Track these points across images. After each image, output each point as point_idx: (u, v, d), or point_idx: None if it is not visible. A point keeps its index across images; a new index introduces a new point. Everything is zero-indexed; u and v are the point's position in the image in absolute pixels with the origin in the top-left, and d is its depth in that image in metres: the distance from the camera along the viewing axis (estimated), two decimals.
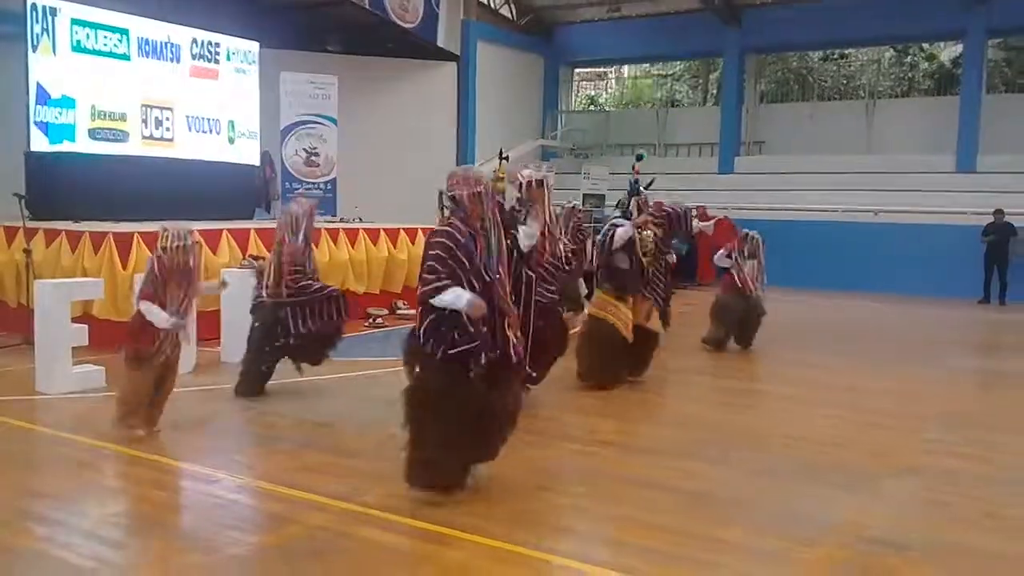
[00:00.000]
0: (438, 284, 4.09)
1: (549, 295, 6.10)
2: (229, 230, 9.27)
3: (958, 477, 4.98)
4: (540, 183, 5.99)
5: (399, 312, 10.75)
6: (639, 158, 7.03)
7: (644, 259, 6.91)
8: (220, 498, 4.51)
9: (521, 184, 6.02)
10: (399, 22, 15.04)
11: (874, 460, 5.36)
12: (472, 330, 4.13)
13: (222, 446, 5.40)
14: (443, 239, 4.16)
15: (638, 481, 4.83)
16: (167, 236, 5.35)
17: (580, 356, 6.93)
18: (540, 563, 3.72)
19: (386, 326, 10.16)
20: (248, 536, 4.03)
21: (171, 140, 11.21)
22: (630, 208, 7.28)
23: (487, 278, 4.19)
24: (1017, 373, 8.62)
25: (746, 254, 8.87)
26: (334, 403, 6.59)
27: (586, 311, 7.16)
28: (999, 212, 14.22)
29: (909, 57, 22.01)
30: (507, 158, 12.97)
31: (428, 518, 4.07)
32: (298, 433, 5.67)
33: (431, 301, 4.12)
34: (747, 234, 9.00)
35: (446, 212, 4.35)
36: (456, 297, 4.07)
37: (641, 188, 7.19)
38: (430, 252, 4.17)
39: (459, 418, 4.14)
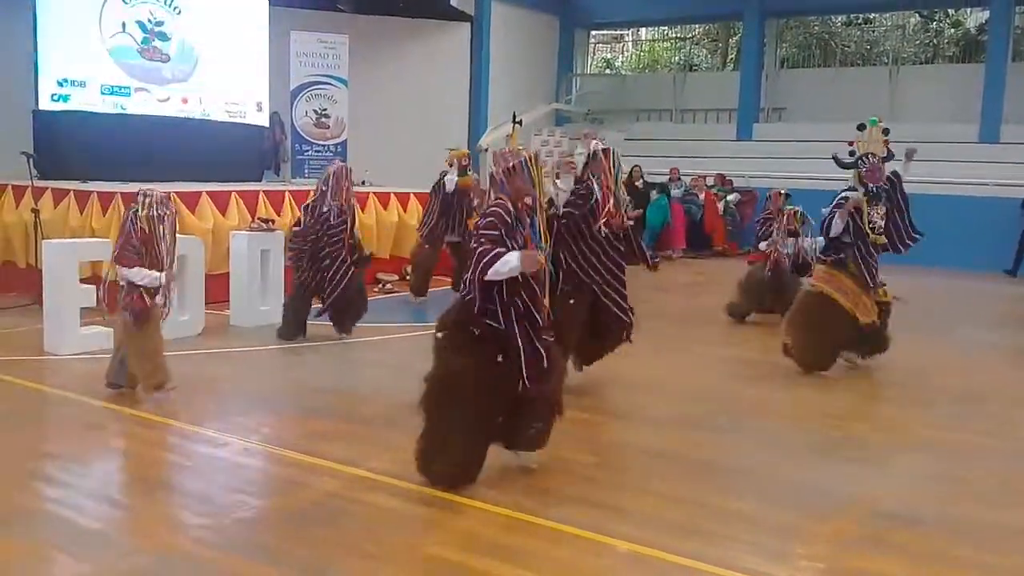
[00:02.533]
0: (489, 255, 3.88)
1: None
2: (238, 192, 9.19)
3: (972, 452, 4.91)
4: (607, 153, 5.74)
5: (409, 278, 10.67)
6: (860, 128, 6.45)
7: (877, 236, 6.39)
8: (228, 462, 4.51)
9: (590, 153, 5.76)
10: None
11: (887, 434, 5.30)
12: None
13: (230, 409, 5.39)
14: (491, 217, 4.01)
15: (647, 451, 4.79)
16: (147, 201, 5.28)
17: (791, 330, 6.58)
18: (548, 532, 3.69)
19: (396, 292, 10.11)
20: (256, 500, 4.03)
21: (181, 99, 11.13)
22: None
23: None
24: None
25: (789, 231, 8.52)
26: (343, 368, 6.58)
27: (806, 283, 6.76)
28: None
29: (935, 23, 21.52)
30: (520, 122, 12.80)
31: None
32: (306, 398, 5.65)
33: (486, 278, 3.90)
34: (793, 211, 8.57)
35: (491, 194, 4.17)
36: (504, 263, 3.88)
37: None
38: (479, 231, 4.00)
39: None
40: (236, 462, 4.51)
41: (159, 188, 5.48)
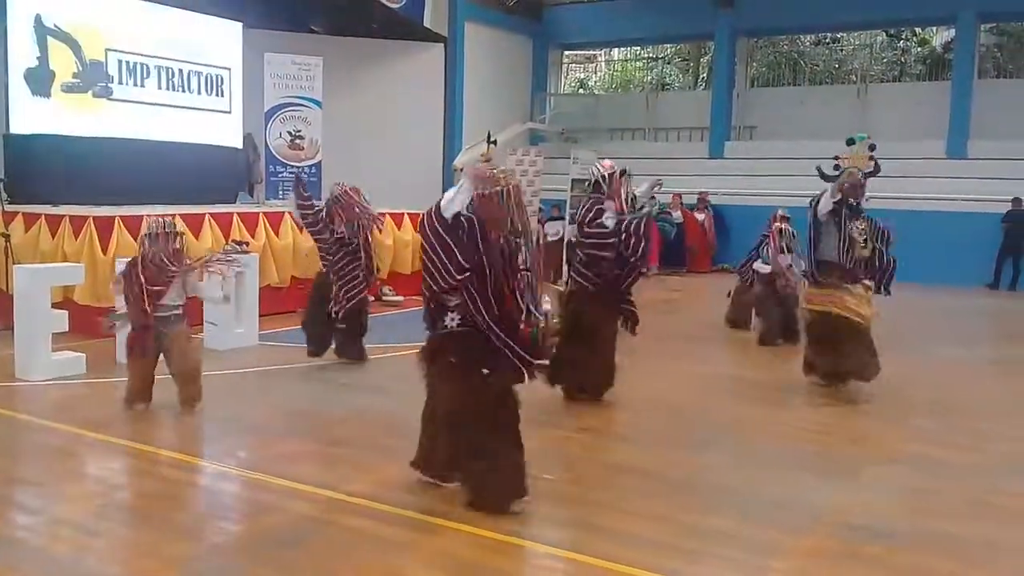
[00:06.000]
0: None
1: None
2: (212, 214, 9.14)
3: (944, 465, 4.97)
4: (622, 173, 5.88)
5: (385, 299, 10.66)
6: (849, 143, 6.38)
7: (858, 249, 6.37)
8: (203, 486, 4.48)
9: (604, 175, 5.85)
10: (385, 2, 14.81)
11: (860, 448, 5.35)
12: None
13: (205, 434, 5.35)
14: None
15: (623, 468, 4.80)
16: (152, 225, 5.48)
17: (811, 352, 6.60)
18: (525, 551, 3.70)
19: (372, 313, 10.05)
20: (231, 525, 4.00)
21: (153, 122, 11.09)
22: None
23: (509, 287, 3.94)
24: (1009, 360, 8.62)
25: (784, 248, 8.54)
26: (317, 391, 6.53)
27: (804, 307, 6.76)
28: (1017, 200, 14.13)
29: (901, 42, 21.94)
30: (495, 142, 12.83)
31: (413, 506, 4.03)
32: (281, 420, 5.61)
33: (443, 212, 3.84)
34: (781, 229, 8.63)
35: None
36: (451, 193, 3.86)
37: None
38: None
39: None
40: (211, 487, 4.47)
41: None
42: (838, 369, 6.42)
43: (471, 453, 3.95)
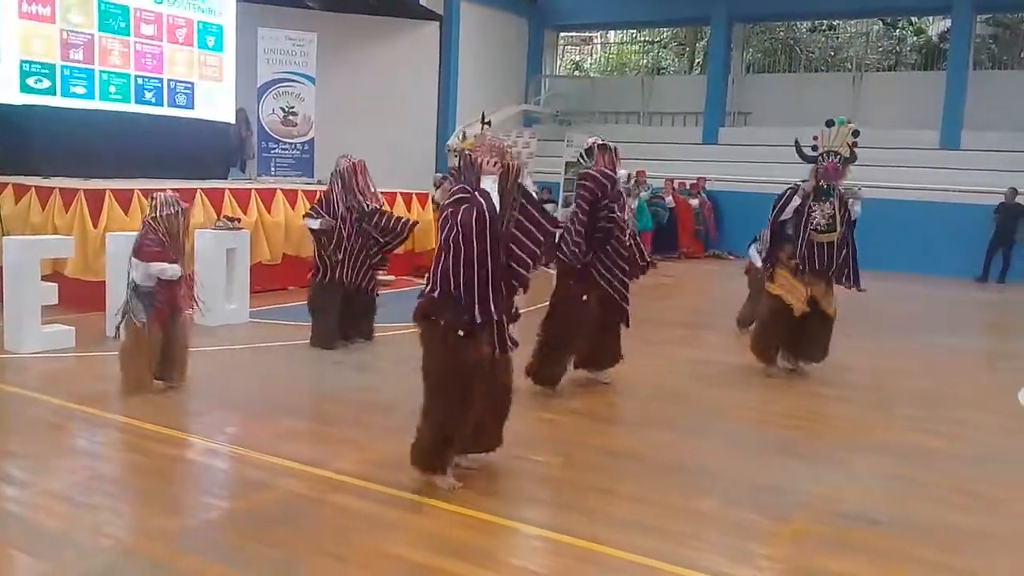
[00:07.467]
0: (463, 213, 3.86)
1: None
2: (203, 190, 9.08)
3: (930, 454, 5.01)
4: (604, 147, 5.77)
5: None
6: (828, 124, 6.28)
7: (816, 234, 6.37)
8: (193, 462, 4.48)
9: (585, 148, 5.85)
10: None
11: (847, 435, 5.39)
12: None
13: (194, 410, 5.35)
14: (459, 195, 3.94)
15: (611, 451, 4.83)
16: (157, 204, 5.38)
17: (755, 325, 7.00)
18: (513, 532, 3.72)
19: None
20: (220, 501, 4.01)
21: (145, 95, 10.99)
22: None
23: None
24: (996, 352, 8.67)
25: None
26: (307, 368, 6.54)
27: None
28: (1012, 191, 14.10)
29: (897, 31, 21.92)
30: (489, 123, 12.73)
31: (401, 485, 4.05)
32: (271, 398, 5.61)
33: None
34: None
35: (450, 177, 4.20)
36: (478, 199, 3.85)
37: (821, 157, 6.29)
38: (450, 209, 3.93)
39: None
40: (200, 463, 4.48)
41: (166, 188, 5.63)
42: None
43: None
